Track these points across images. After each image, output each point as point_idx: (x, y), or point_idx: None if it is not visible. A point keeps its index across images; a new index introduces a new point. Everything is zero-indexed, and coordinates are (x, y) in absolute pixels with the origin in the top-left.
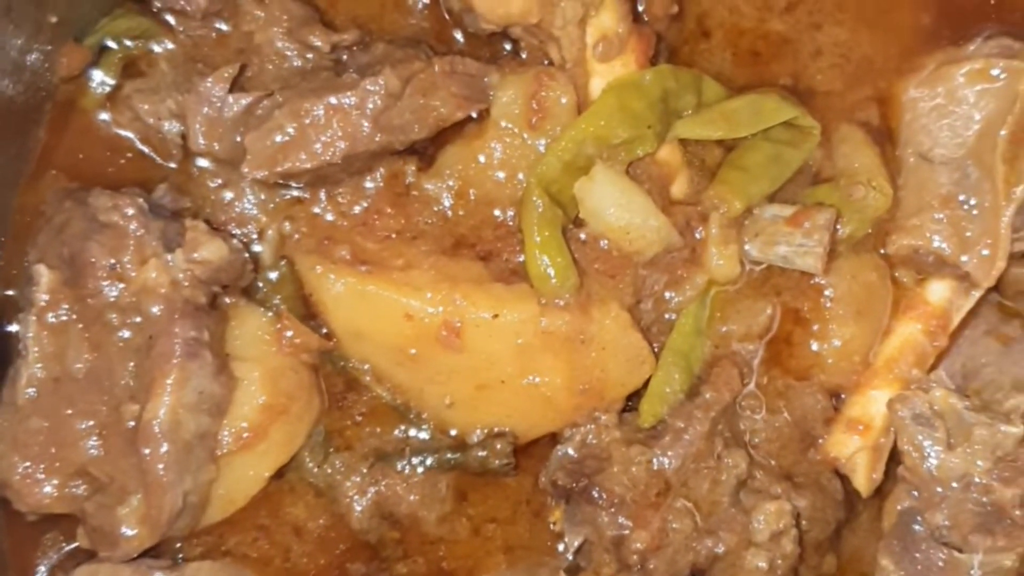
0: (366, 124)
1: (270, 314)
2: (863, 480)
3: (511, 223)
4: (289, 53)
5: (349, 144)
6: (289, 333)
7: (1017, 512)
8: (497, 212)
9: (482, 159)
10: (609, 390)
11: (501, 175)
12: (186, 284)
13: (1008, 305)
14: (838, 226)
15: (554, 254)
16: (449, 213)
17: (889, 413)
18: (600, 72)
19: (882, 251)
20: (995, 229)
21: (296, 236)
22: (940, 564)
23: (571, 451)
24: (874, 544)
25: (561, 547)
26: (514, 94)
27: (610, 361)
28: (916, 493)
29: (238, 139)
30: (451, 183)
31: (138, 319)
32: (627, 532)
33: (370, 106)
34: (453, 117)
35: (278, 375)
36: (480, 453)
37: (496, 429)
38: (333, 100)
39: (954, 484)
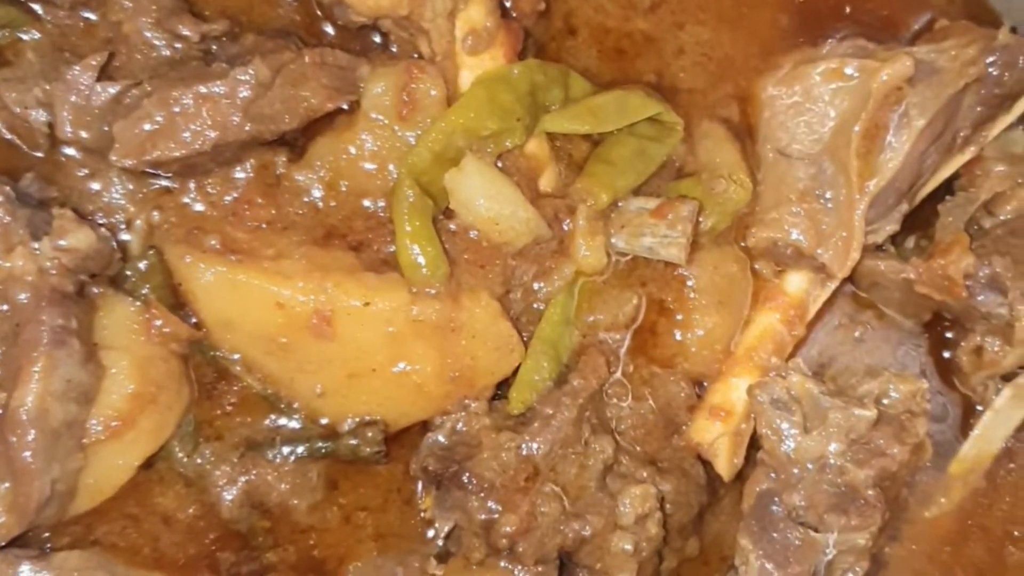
0: (236, 114)
1: (138, 303)
2: (725, 465)
3: (382, 214)
4: (158, 43)
5: (219, 133)
6: (158, 322)
7: (870, 492)
8: (368, 203)
9: (352, 150)
10: (479, 378)
11: (372, 166)
12: (53, 272)
13: (862, 296)
14: (700, 219)
15: (425, 244)
16: (320, 204)
17: (749, 399)
18: (469, 65)
19: (742, 243)
20: (850, 222)
21: (165, 226)
22: (797, 543)
23: (441, 438)
24: (735, 527)
25: (431, 533)
26: (384, 86)
27: (480, 349)
28: (774, 475)
29: (106, 128)
30: (322, 174)
31: (5, 307)
32: (497, 516)
33: (240, 96)
34: (323, 108)
35: (147, 364)
36: (351, 441)
37: (367, 417)
38: (203, 89)
39: (810, 466)
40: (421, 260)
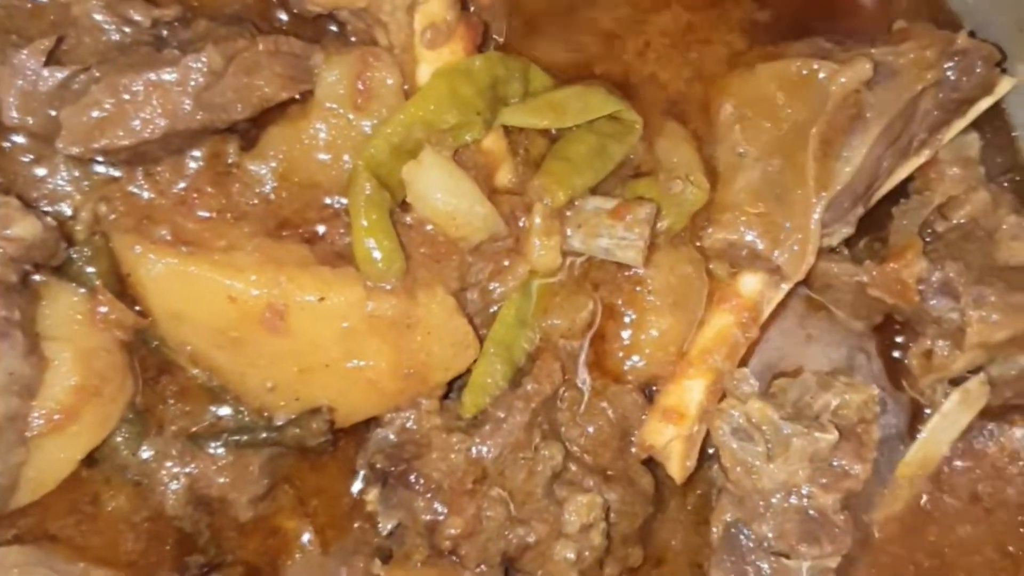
0: (187, 101)
1: (82, 291)
2: (677, 468)
3: (337, 205)
4: (107, 27)
5: (169, 122)
6: (103, 308)
7: (840, 517)
8: (322, 194)
9: (307, 140)
10: (433, 374)
11: (326, 157)
12: None
13: (815, 298)
14: (657, 219)
15: (381, 237)
16: (272, 195)
17: (711, 431)
18: (427, 59)
19: (698, 244)
20: (806, 225)
21: (113, 216)
22: (768, 573)
23: (391, 435)
24: (679, 535)
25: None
26: (339, 74)
27: (435, 345)
28: (739, 504)
29: (53, 114)
30: (275, 164)
31: None
32: (442, 518)
33: (191, 83)
34: (277, 97)
35: (91, 356)
36: (294, 431)
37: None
38: (153, 76)
39: (777, 495)
40: (377, 254)
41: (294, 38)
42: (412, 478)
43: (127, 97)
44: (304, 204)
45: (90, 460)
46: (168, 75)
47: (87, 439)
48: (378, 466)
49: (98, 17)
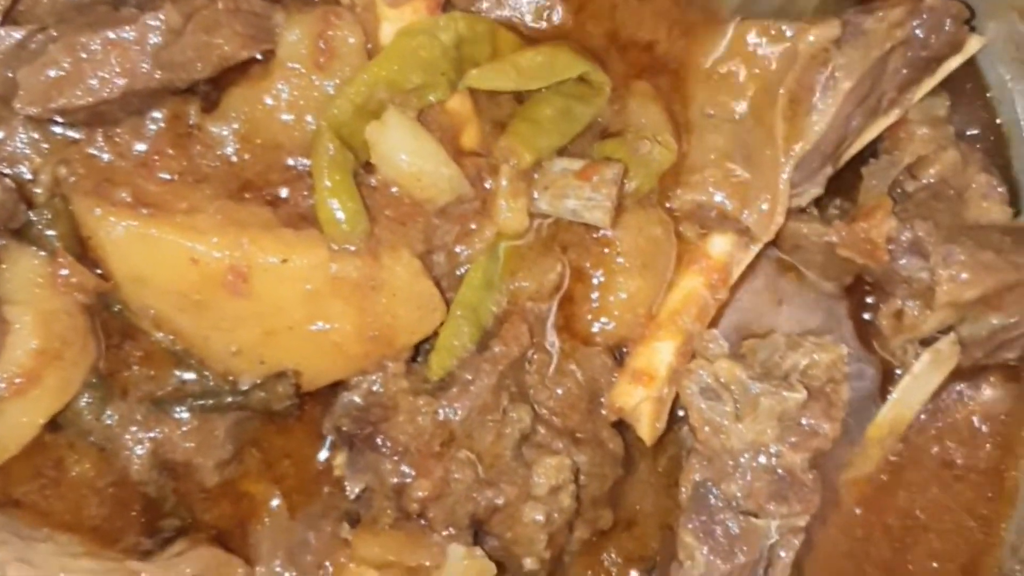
0: (145, 61)
1: (43, 254)
2: (647, 430)
3: (300, 167)
4: None
5: (127, 81)
6: (64, 271)
7: (809, 476)
8: (285, 156)
9: (269, 101)
10: (399, 337)
11: (288, 117)
12: None
13: (784, 258)
14: (625, 181)
15: (345, 199)
16: (234, 157)
17: (679, 391)
18: (390, 17)
19: (667, 205)
20: (775, 185)
21: (72, 178)
22: (739, 532)
23: (357, 398)
24: (650, 498)
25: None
26: (300, 33)
27: (400, 308)
28: (708, 464)
29: (10, 74)
30: (236, 126)
31: None
32: (409, 481)
33: (150, 42)
34: (237, 56)
35: (51, 319)
36: (260, 395)
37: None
38: (111, 35)
39: (745, 454)
40: (341, 216)
41: None
42: (379, 441)
43: (85, 56)
44: (267, 166)
45: (53, 425)
46: (126, 33)
47: (49, 403)
48: (344, 429)
49: None
